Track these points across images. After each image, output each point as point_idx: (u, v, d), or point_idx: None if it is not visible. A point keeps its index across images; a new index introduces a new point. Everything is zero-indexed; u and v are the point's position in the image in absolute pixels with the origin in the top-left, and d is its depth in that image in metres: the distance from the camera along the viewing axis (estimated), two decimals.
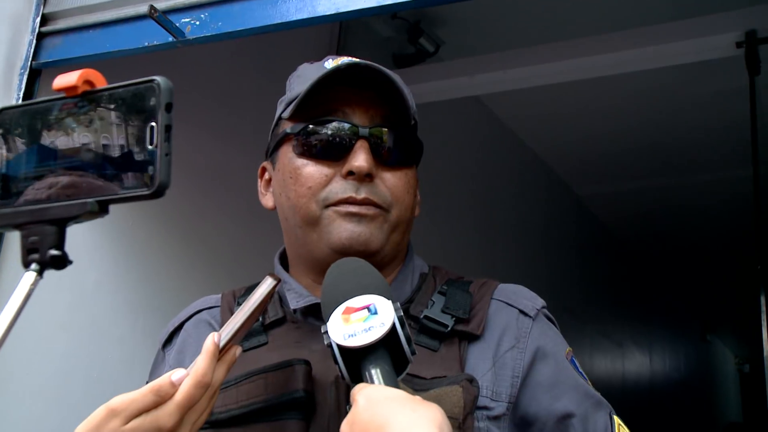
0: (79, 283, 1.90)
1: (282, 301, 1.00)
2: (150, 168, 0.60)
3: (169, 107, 0.60)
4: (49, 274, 1.80)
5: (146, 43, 1.73)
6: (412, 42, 3.11)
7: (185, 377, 0.77)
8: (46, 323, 1.79)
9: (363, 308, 0.75)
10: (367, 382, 0.72)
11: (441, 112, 3.25)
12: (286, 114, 0.99)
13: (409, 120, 0.98)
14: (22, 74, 1.79)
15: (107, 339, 1.98)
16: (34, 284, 0.61)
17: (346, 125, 0.94)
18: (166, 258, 2.18)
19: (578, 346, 5.62)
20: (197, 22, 1.71)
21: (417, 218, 1.05)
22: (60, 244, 0.62)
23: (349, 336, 0.73)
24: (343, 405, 0.86)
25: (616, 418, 0.94)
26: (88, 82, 0.63)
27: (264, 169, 1.05)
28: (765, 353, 2.49)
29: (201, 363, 0.77)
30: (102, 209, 0.62)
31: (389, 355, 0.73)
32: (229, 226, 2.39)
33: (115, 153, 0.62)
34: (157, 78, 0.61)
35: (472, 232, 3.96)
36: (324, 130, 0.94)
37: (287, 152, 0.98)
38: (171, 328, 1.06)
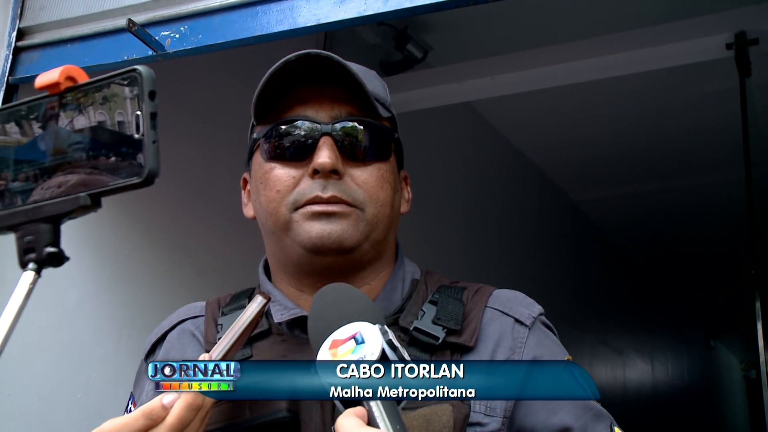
0: (60, 302, 1.87)
1: (267, 312, 0.97)
2: (138, 157, 0.60)
3: (152, 95, 0.61)
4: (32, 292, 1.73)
5: (125, 57, 1.71)
6: (399, 48, 3.09)
7: (176, 399, 0.75)
8: (26, 344, 1.76)
9: (349, 339, 0.72)
10: (368, 413, 0.69)
11: (431, 118, 3.23)
12: (254, 120, 0.98)
13: (376, 112, 0.94)
14: None
15: (91, 359, 1.94)
16: (33, 283, 0.62)
17: (309, 123, 0.92)
18: (151, 275, 2.14)
19: (577, 354, 5.57)
20: (177, 35, 1.69)
21: (407, 223, 1.02)
22: (56, 241, 0.63)
23: None
24: (329, 425, 0.83)
25: (617, 430, 0.90)
26: (69, 78, 0.64)
27: (246, 180, 1.03)
28: (761, 359, 2.46)
29: None
30: (95, 203, 0.62)
31: None
32: (214, 240, 2.36)
33: (103, 145, 0.62)
34: (138, 67, 0.61)
35: (463, 239, 3.93)
36: (287, 131, 0.93)
37: (258, 158, 0.96)
38: (153, 339, 1.03)
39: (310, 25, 1.56)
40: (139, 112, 0.60)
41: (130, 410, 1.00)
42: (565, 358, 0.95)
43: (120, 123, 0.62)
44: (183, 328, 1.01)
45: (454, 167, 3.86)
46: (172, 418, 0.74)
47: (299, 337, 0.93)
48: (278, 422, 0.83)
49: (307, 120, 0.92)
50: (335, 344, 0.72)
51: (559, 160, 4.78)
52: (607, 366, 6.32)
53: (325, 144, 0.90)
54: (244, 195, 1.04)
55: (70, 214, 0.62)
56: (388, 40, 3.14)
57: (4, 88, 1.76)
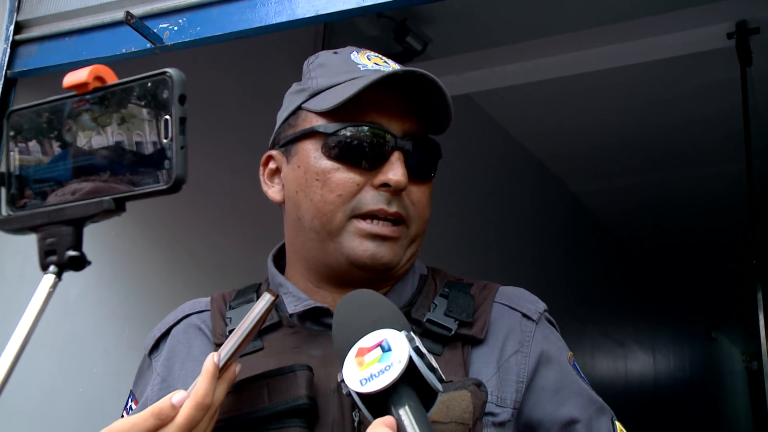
0: (61, 296, 1.87)
1: (278, 305, 0.97)
2: (166, 162, 0.58)
3: (182, 99, 0.59)
4: (20, 293, 1.74)
5: (124, 50, 1.70)
6: (399, 41, 3.07)
7: (185, 398, 0.75)
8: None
9: (375, 346, 0.70)
10: (397, 423, 0.68)
11: None
12: (314, 107, 0.93)
13: (443, 132, 0.97)
14: None
15: (92, 352, 1.94)
16: (54, 286, 0.61)
17: (385, 134, 0.91)
18: (151, 268, 2.14)
19: (578, 347, 5.59)
20: (175, 28, 1.68)
21: None
22: (78, 244, 0.61)
23: (365, 381, 0.69)
24: (348, 412, 0.84)
25: (617, 424, 0.93)
26: (98, 78, 0.62)
27: (269, 158, 1.00)
28: (763, 349, 2.46)
29: (201, 384, 0.76)
30: (119, 207, 0.61)
31: (414, 389, 0.69)
32: (214, 235, 2.36)
33: (130, 149, 0.61)
34: (169, 70, 0.60)
35: (461, 231, 3.93)
36: (361, 136, 0.90)
37: (312, 150, 0.92)
38: (158, 334, 1.02)
39: (308, 16, 1.55)
40: (168, 117, 0.59)
41: (131, 408, 1.00)
42: (568, 354, 0.98)
43: (148, 126, 0.60)
44: (189, 323, 1.01)
45: (452, 159, 3.83)
46: (181, 417, 0.74)
47: (311, 328, 0.94)
48: (299, 409, 0.84)
49: (384, 130, 0.91)
50: (361, 352, 0.71)
51: (559, 152, 4.78)
52: (608, 358, 6.32)
53: (399, 160, 0.90)
54: (264, 173, 1.00)
55: (93, 217, 0.61)
56: (388, 33, 3.13)
57: (2, 82, 1.75)
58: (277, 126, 1.00)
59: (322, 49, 2.90)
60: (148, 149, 0.60)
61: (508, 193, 4.51)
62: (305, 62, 1.01)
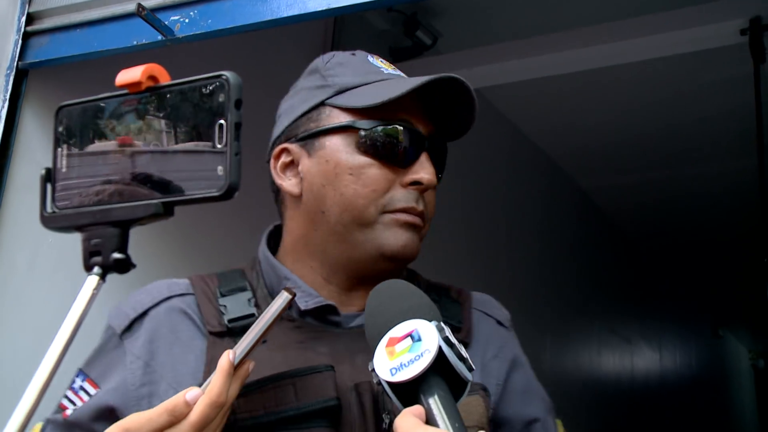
0: (66, 291, 1.86)
1: (270, 293, 0.97)
2: (219, 168, 0.57)
3: (238, 104, 0.58)
4: (31, 284, 1.73)
5: (135, 42, 1.70)
6: (408, 35, 3.06)
7: (200, 395, 0.76)
8: (33, 335, 1.76)
9: (406, 336, 0.72)
10: (426, 412, 0.69)
11: None
12: (344, 103, 0.94)
13: (458, 138, 1.02)
14: (8, 75, 1.75)
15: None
16: (97, 288, 0.60)
17: (418, 134, 0.94)
18: (154, 265, 2.14)
19: (585, 342, 5.58)
20: (186, 20, 1.68)
21: None
22: (123, 246, 0.61)
23: (395, 371, 0.70)
24: (369, 411, 0.86)
25: (558, 421, 1.04)
26: (152, 77, 0.61)
27: (283, 151, 0.99)
28: None
29: (216, 382, 0.77)
30: (167, 211, 0.60)
31: (443, 379, 0.70)
32: (216, 234, 2.35)
33: (181, 152, 0.59)
34: (226, 73, 0.58)
35: (469, 227, 3.92)
36: (397, 135, 0.93)
37: (343, 145, 0.93)
38: (133, 314, 0.96)
39: (320, 9, 1.54)
40: (222, 121, 0.57)
41: (85, 391, 0.95)
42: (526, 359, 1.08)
43: (201, 130, 0.58)
44: (171, 306, 0.97)
45: (461, 154, 3.82)
46: (195, 415, 0.75)
47: (311, 323, 0.93)
48: (328, 409, 0.85)
49: (416, 130, 0.95)
50: (392, 342, 0.72)
51: (569, 148, 4.75)
52: (615, 354, 6.32)
53: (428, 159, 0.94)
54: (276, 165, 0.99)
55: (141, 220, 0.60)
56: (398, 27, 3.12)
57: (14, 73, 1.76)
58: (290, 120, 0.99)
59: (332, 42, 2.91)
60: (201, 154, 0.58)
61: (518, 190, 4.50)
62: (319, 59, 1.01)
